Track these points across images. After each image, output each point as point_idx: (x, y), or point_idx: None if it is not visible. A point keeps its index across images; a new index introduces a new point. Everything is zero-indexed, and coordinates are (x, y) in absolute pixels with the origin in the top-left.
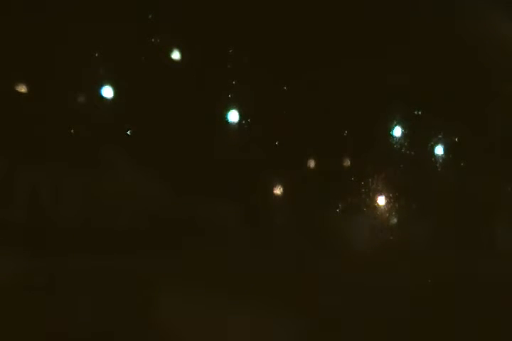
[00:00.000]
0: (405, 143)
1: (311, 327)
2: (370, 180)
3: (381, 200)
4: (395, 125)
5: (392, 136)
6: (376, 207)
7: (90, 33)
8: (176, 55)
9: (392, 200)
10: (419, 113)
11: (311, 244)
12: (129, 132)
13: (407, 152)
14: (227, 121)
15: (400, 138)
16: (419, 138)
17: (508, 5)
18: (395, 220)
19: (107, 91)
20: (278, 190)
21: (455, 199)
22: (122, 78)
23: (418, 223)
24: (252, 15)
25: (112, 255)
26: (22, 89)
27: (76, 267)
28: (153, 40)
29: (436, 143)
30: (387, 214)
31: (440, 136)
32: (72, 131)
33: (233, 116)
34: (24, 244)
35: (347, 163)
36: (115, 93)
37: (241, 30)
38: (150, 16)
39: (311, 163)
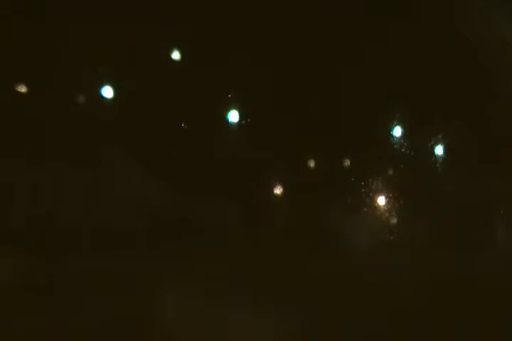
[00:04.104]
0: (405, 143)
1: (311, 327)
2: (370, 180)
3: (381, 200)
4: (395, 125)
5: (392, 136)
6: (376, 207)
7: (91, 33)
8: (176, 56)
9: (392, 200)
10: (419, 113)
11: (311, 244)
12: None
13: (407, 152)
14: (227, 121)
15: (400, 138)
16: (419, 138)
17: (508, 5)
18: (395, 220)
19: (107, 92)
20: (278, 190)
21: (455, 199)
22: (122, 78)
23: (418, 223)
24: (252, 16)
25: (112, 255)
26: (22, 89)
27: (76, 267)
28: (153, 41)
29: (436, 143)
30: (387, 214)
31: (440, 136)
32: (72, 131)
33: (233, 116)
34: (24, 244)
35: (347, 163)
36: (115, 93)
37: (241, 32)
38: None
39: (311, 163)
